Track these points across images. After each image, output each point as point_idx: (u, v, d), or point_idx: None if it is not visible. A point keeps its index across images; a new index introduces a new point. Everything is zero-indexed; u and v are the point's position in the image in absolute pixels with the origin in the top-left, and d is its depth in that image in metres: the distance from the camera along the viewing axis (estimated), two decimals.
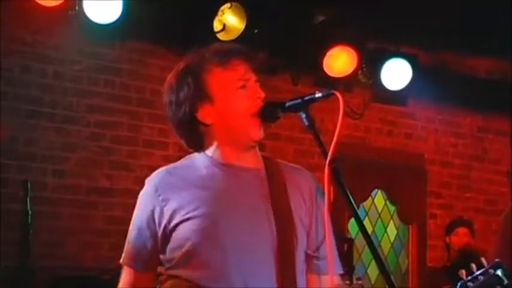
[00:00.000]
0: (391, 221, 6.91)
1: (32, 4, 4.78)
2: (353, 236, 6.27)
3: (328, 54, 5.83)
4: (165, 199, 2.18)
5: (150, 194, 2.22)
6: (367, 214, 6.73)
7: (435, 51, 6.62)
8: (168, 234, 2.18)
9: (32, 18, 5.02)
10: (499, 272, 2.02)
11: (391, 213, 6.91)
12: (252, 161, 2.25)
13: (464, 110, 7.17)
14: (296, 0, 5.62)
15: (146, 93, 5.63)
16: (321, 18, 5.81)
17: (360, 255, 6.52)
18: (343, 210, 5.24)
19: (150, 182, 2.25)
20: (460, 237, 6.08)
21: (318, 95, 2.14)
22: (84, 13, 4.92)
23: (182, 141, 2.27)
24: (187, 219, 2.15)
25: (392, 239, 6.90)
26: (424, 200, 6.97)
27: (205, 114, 2.20)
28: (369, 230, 6.53)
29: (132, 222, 2.27)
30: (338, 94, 2.09)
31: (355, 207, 2.10)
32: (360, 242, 6.23)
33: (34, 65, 5.24)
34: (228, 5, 5.23)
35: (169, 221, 2.17)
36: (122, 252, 2.29)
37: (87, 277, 5.05)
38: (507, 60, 6.56)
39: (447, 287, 5.42)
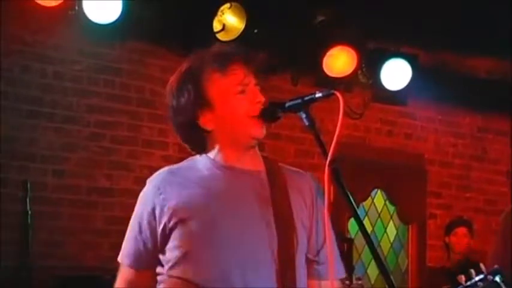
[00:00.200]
0: (391, 221, 6.91)
1: (32, 4, 4.78)
2: (353, 236, 6.27)
3: (328, 54, 5.83)
4: (166, 198, 2.19)
5: (151, 193, 2.22)
6: (366, 214, 6.73)
7: (435, 51, 6.62)
8: (167, 233, 2.18)
9: (32, 18, 5.02)
10: (497, 279, 2.03)
11: (391, 213, 6.91)
12: (254, 163, 2.26)
13: (464, 110, 7.17)
14: (296, 0, 5.62)
15: (146, 93, 5.64)
16: (320, 18, 5.81)
17: (359, 255, 6.52)
18: (343, 210, 5.20)
19: (152, 181, 2.25)
20: (460, 237, 6.09)
21: (318, 95, 2.14)
22: (84, 13, 4.92)
23: (185, 144, 2.29)
24: (188, 219, 2.15)
25: (392, 239, 6.90)
26: (423, 200, 6.97)
27: (206, 120, 2.21)
28: (369, 230, 6.52)
29: (131, 220, 2.27)
30: (338, 94, 2.09)
31: (355, 207, 2.10)
32: (359, 242, 6.23)
33: (34, 65, 5.24)
34: (227, 5, 5.23)
35: (169, 220, 2.17)
36: None
37: (87, 277, 5.05)
38: (507, 60, 6.57)
39: (447, 287, 5.44)
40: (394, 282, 2.04)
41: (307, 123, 2.14)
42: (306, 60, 5.98)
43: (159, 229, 2.18)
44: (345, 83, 5.99)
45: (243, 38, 5.19)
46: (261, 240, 2.16)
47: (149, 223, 2.20)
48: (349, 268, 5.78)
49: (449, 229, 6.18)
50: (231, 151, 2.23)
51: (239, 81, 2.20)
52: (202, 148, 2.27)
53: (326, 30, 5.81)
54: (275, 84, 5.79)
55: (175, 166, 2.29)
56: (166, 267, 2.20)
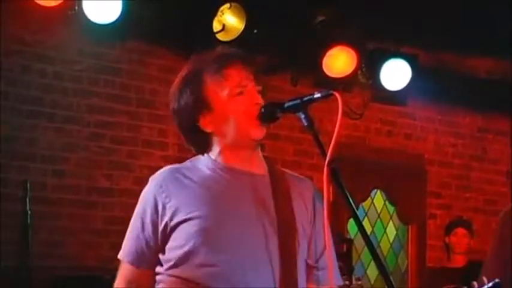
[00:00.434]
0: (391, 221, 6.91)
1: (32, 4, 4.78)
2: (352, 237, 6.27)
3: (327, 54, 5.83)
4: (168, 196, 2.20)
5: (153, 191, 2.23)
6: (366, 214, 6.73)
7: (435, 51, 6.62)
8: (168, 232, 2.19)
9: (32, 18, 5.02)
10: None
11: (391, 213, 6.91)
12: (256, 165, 2.27)
13: (464, 110, 7.17)
14: (296, 0, 5.62)
15: (146, 93, 5.64)
16: (320, 18, 5.81)
17: (359, 255, 6.52)
18: (342, 210, 5.20)
19: (154, 179, 2.27)
20: (459, 237, 6.08)
21: (317, 95, 2.15)
22: (84, 13, 4.92)
23: (189, 146, 2.31)
24: (189, 219, 2.16)
25: (391, 239, 6.90)
26: (423, 200, 6.96)
27: (206, 123, 2.23)
28: (368, 230, 6.54)
29: (133, 218, 2.27)
30: (337, 94, 2.09)
31: (355, 208, 2.10)
32: (359, 242, 6.23)
33: (34, 65, 5.24)
34: (227, 5, 5.23)
35: (170, 219, 2.18)
36: None
37: (87, 277, 5.05)
38: (507, 60, 6.56)
39: (447, 287, 5.44)
40: (393, 282, 2.04)
41: (306, 124, 2.15)
42: (306, 61, 5.98)
43: (161, 227, 2.19)
44: (344, 83, 5.98)
45: (242, 38, 5.19)
46: (260, 241, 2.17)
47: (152, 220, 2.21)
48: (349, 268, 5.77)
49: (449, 229, 6.18)
50: (231, 152, 2.25)
51: (237, 83, 2.21)
52: (205, 149, 2.29)
53: (326, 30, 5.81)
54: (275, 84, 5.79)
55: (177, 165, 2.30)
56: (165, 266, 2.20)
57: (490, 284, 2.03)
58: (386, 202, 6.89)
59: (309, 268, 2.27)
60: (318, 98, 2.14)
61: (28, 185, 4.98)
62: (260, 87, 2.25)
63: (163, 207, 2.19)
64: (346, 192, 2.07)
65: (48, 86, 5.29)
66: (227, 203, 2.19)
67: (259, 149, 2.30)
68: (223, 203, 2.19)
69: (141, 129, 5.62)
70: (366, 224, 6.60)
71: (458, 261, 6.02)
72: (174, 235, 2.18)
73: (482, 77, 6.99)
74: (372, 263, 6.46)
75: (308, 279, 2.27)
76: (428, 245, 6.91)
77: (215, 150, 2.26)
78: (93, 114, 5.44)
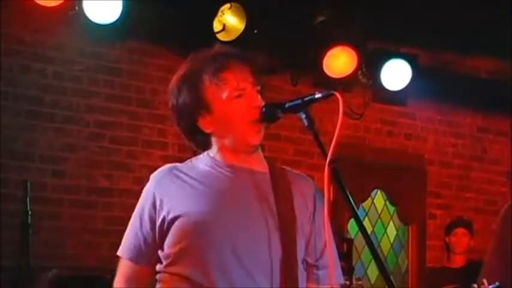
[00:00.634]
0: (391, 221, 6.91)
1: (32, 4, 4.78)
2: (353, 236, 6.26)
3: (328, 54, 5.83)
4: (166, 192, 2.21)
5: (153, 187, 2.25)
6: (366, 214, 6.73)
7: (435, 51, 6.62)
8: (165, 228, 2.19)
9: (32, 18, 5.02)
10: None
11: (391, 213, 6.91)
12: (256, 163, 2.27)
13: (465, 110, 7.17)
14: (296, 0, 5.62)
15: (146, 93, 5.63)
16: (321, 18, 5.81)
17: (359, 255, 6.51)
18: (342, 210, 5.23)
19: (154, 176, 2.28)
20: (460, 237, 6.08)
21: (318, 95, 2.14)
22: (84, 13, 4.92)
23: (190, 144, 2.31)
24: (186, 214, 2.16)
25: (392, 239, 6.90)
26: (423, 200, 6.96)
27: (205, 123, 2.23)
28: (369, 230, 6.53)
29: (133, 215, 2.28)
30: (338, 95, 2.09)
31: (355, 208, 2.10)
32: (359, 242, 6.22)
33: (34, 65, 5.24)
34: (227, 5, 5.23)
35: (168, 213, 2.18)
36: None
37: (87, 277, 5.04)
38: (507, 60, 6.56)
39: (447, 287, 5.44)
40: (394, 282, 2.04)
41: (306, 124, 2.15)
42: (306, 61, 5.97)
43: (158, 222, 2.20)
44: (345, 83, 5.98)
45: (243, 38, 5.19)
46: (260, 238, 2.17)
47: (150, 217, 2.22)
48: (349, 268, 5.77)
49: (449, 229, 6.17)
50: (230, 153, 2.25)
51: (235, 85, 2.20)
52: (205, 148, 2.29)
53: (326, 31, 5.81)
54: (275, 84, 5.79)
55: (178, 164, 2.31)
56: (165, 263, 2.20)
57: (491, 287, 2.03)
58: (387, 202, 6.89)
59: (309, 267, 2.26)
60: (319, 98, 2.14)
61: (28, 185, 4.98)
62: (259, 87, 2.24)
63: (161, 202, 2.20)
64: (347, 192, 2.07)
65: (48, 86, 5.29)
66: (229, 198, 2.19)
67: (259, 150, 2.30)
68: (225, 198, 2.19)
69: (141, 129, 5.62)
70: (366, 224, 6.60)
71: (459, 261, 6.02)
72: (171, 231, 2.18)
73: (483, 77, 6.99)
74: (372, 263, 6.46)
75: (308, 279, 2.26)
76: (429, 245, 6.91)
77: (214, 149, 2.27)
78: (92, 114, 5.44)
